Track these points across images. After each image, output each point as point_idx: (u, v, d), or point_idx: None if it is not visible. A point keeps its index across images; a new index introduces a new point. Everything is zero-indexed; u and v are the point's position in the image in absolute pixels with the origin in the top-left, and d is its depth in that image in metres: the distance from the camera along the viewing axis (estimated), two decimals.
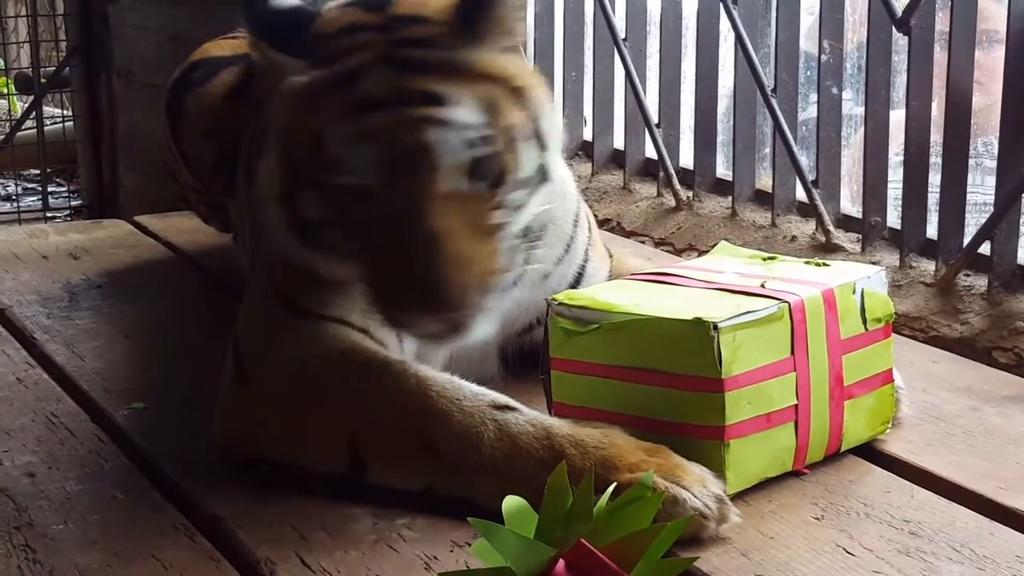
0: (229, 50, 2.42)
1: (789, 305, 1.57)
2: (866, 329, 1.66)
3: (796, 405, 1.57)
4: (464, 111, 1.54)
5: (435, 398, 1.54)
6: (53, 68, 3.65)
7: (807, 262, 1.73)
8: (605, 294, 1.64)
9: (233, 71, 2.36)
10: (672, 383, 1.53)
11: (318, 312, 1.66)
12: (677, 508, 1.42)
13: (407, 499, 1.55)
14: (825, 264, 1.72)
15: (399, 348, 1.67)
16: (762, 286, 1.61)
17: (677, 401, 1.52)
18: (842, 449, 1.66)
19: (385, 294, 1.56)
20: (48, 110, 3.92)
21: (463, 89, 1.55)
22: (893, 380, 1.71)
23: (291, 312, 1.68)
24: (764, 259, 1.75)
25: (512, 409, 1.54)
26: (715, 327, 1.49)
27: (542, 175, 1.64)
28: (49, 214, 3.52)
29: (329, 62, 1.59)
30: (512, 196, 1.59)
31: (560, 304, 1.61)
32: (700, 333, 1.49)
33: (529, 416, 1.53)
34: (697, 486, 1.45)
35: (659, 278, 1.69)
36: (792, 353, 1.56)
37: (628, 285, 1.70)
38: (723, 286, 1.63)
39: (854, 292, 1.65)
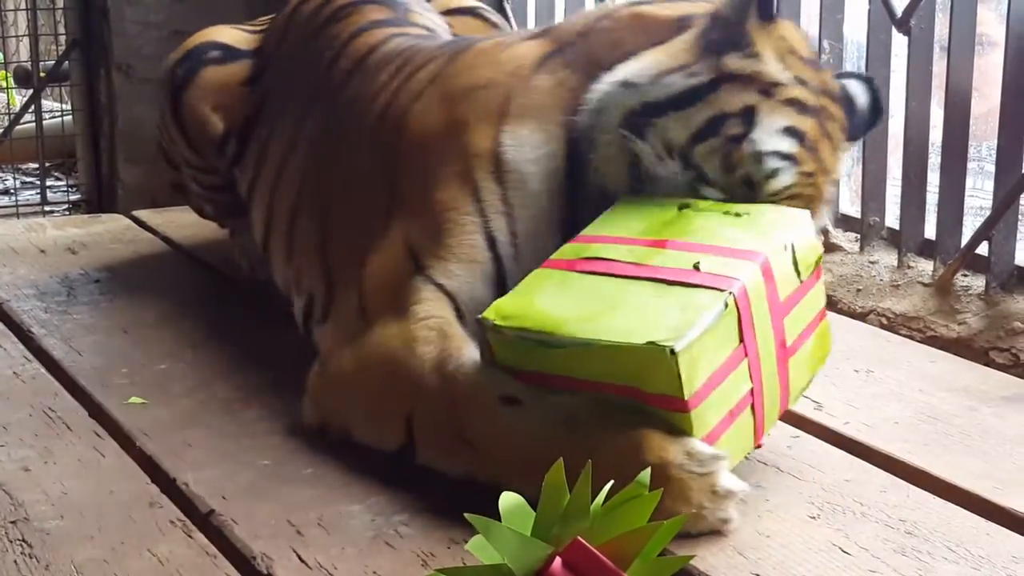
0: (244, 44, 2.45)
1: (734, 296, 1.51)
2: (800, 281, 1.61)
3: (751, 388, 1.54)
4: (832, 191, 1.85)
5: (475, 394, 1.58)
6: (52, 62, 3.65)
7: (725, 212, 1.65)
8: (540, 301, 1.56)
9: (248, 65, 2.40)
10: (634, 395, 1.49)
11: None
12: (715, 498, 1.45)
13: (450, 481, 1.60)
14: (744, 213, 1.64)
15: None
16: (696, 268, 1.55)
17: (643, 409, 1.49)
18: (790, 406, 1.65)
19: None
20: (47, 104, 3.93)
21: (832, 177, 1.81)
22: (825, 316, 1.68)
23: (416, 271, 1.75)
24: (678, 208, 1.66)
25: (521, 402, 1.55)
26: (672, 351, 1.44)
27: None
28: (47, 208, 3.52)
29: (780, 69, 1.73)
30: None
31: (495, 327, 1.54)
32: (658, 359, 1.45)
33: (554, 402, 1.54)
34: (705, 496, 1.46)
35: (586, 266, 1.60)
36: (741, 340, 1.52)
37: (557, 279, 1.60)
38: (657, 274, 1.55)
39: (786, 250, 1.60)
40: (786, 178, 1.68)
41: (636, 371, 1.47)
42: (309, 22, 2.32)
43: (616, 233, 1.64)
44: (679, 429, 1.46)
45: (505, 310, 1.56)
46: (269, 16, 2.53)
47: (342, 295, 1.89)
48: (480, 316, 1.56)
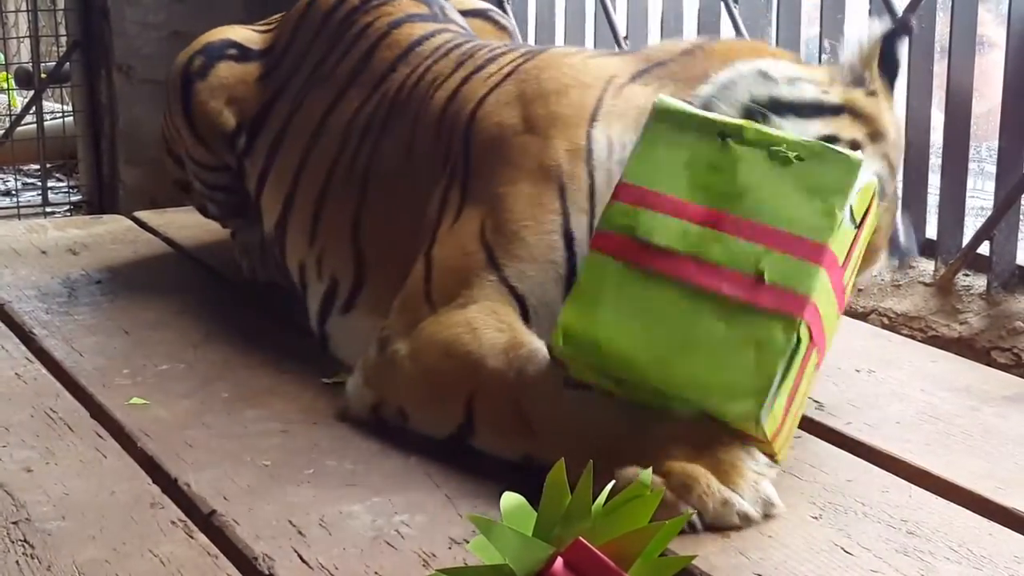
0: (257, 43, 2.46)
1: (807, 325, 1.47)
2: (856, 228, 1.56)
3: (817, 349, 1.54)
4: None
5: (541, 377, 1.60)
6: (53, 63, 3.66)
7: (772, 149, 1.55)
8: (604, 321, 1.51)
9: (259, 63, 2.42)
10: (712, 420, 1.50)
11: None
12: (725, 509, 1.47)
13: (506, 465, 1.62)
14: (792, 157, 1.54)
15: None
16: (760, 276, 1.48)
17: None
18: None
19: None
20: (48, 105, 3.93)
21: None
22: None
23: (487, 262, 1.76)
24: (719, 136, 1.57)
25: (588, 387, 1.58)
26: (758, 421, 1.45)
27: None
28: (48, 209, 3.52)
29: None
30: None
31: (564, 353, 1.54)
32: (743, 424, 1.47)
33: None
34: (750, 489, 1.49)
35: (643, 259, 1.53)
36: (811, 340, 1.50)
37: (615, 279, 1.53)
38: (721, 288, 1.49)
39: (842, 211, 1.52)
40: None
41: (718, 417, 1.50)
42: (329, 16, 2.35)
43: (662, 186, 1.55)
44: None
45: (572, 330, 1.53)
46: (278, 15, 2.53)
47: (382, 279, 1.90)
48: (550, 342, 1.56)
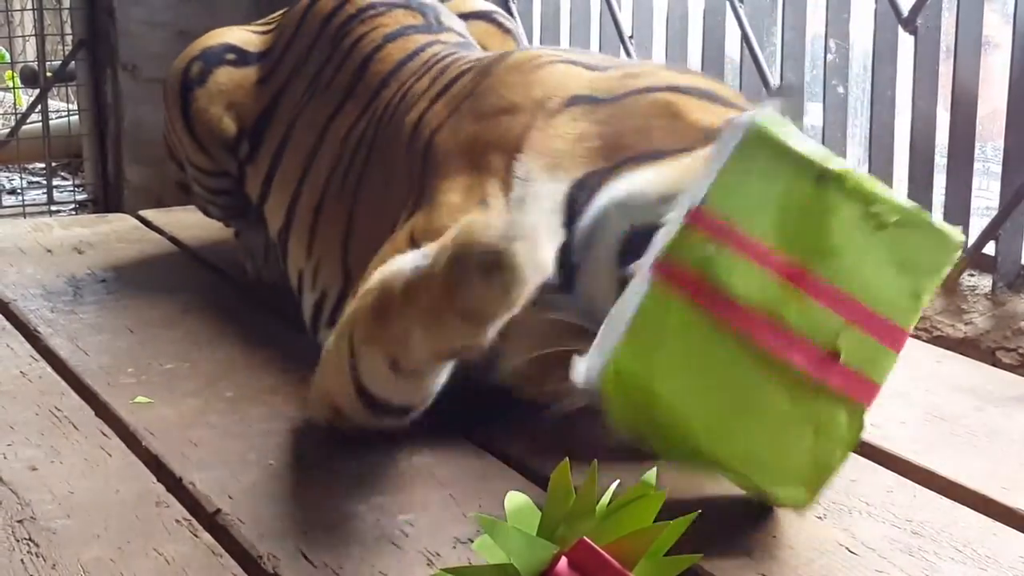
0: (255, 46, 2.45)
1: (869, 410, 1.40)
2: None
3: None
4: None
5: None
6: (59, 62, 3.66)
7: (868, 210, 1.38)
8: (661, 368, 1.36)
9: (257, 67, 2.41)
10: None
11: None
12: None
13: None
14: (888, 223, 1.40)
15: None
16: (835, 355, 1.37)
17: None
18: None
19: None
20: (53, 104, 3.93)
21: None
22: None
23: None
24: (815, 180, 1.38)
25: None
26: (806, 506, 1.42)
27: None
28: (54, 208, 3.53)
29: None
30: None
31: (613, 393, 1.38)
32: (792, 504, 1.45)
33: None
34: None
35: (714, 305, 1.36)
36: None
37: (678, 322, 1.36)
38: (793, 358, 1.36)
39: (921, 298, 1.42)
40: None
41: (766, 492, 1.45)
42: (328, 22, 2.33)
43: (748, 224, 1.38)
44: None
45: (625, 372, 1.37)
46: (278, 13, 2.53)
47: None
48: (598, 374, 1.39)
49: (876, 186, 1.41)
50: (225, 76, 2.41)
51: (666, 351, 1.37)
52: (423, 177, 1.87)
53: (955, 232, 1.42)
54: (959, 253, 1.43)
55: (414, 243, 1.75)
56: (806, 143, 1.42)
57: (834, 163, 1.41)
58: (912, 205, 1.42)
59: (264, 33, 2.48)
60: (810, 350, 1.37)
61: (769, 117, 1.42)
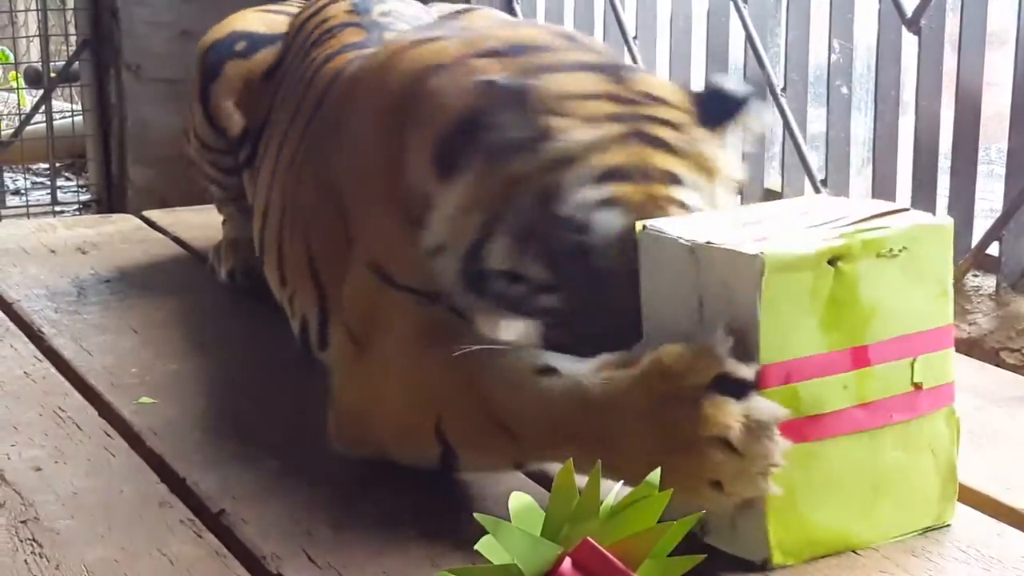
0: (266, 27, 2.41)
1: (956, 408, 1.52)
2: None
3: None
4: (697, 197, 1.57)
5: (507, 370, 1.51)
6: (63, 62, 3.66)
7: (879, 254, 1.43)
8: (812, 516, 1.43)
9: (271, 52, 2.37)
10: None
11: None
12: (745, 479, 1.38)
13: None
14: (897, 249, 1.44)
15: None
16: (918, 386, 1.47)
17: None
18: None
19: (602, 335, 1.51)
20: (57, 104, 3.93)
21: (698, 176, 1.58)
22: None
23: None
24: (828, 263, 1.41)
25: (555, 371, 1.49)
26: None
27: None
28: (58, 208, 3.53)
29: (568, 127, 1.57)
30: None
31: (786, 562, 1.43)
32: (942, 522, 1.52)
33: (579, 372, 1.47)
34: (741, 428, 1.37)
35: (817, 431, 1.41)
36: None
37: (803, 466, 1.40)
38: (890, 416, 1.46)
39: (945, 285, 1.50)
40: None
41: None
42: (308, 38, 2.29)
43: (801, 349, 1.40)
44: None
45: (785, 543, 1.42)
46: None
47: (334, 324, 1.84)
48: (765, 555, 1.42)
49: (875, 230, 1.44)
50: (232, 70, 2.36)
51: (803, 498, 1.42)
52: (342, 196, 1.85)
53: (942, 219, 1.50)
54: (952, 233, 1.50)
55: (378, 271, 1.72)
56: (812, 245, 1.42)
57: (839, 239, 1.42)
58: (903, 223, 1.46)
59: (285, 16, 2.44)
60: (900, 402, 1.46)
61: (779, 249, 1.40)
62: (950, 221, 1.50)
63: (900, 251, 1.44)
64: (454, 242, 1.61)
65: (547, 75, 1.63)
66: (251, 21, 2.45)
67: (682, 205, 1.55)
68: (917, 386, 1.46)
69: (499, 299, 1.60)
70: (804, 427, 1.40)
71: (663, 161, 1.57)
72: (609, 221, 1.52)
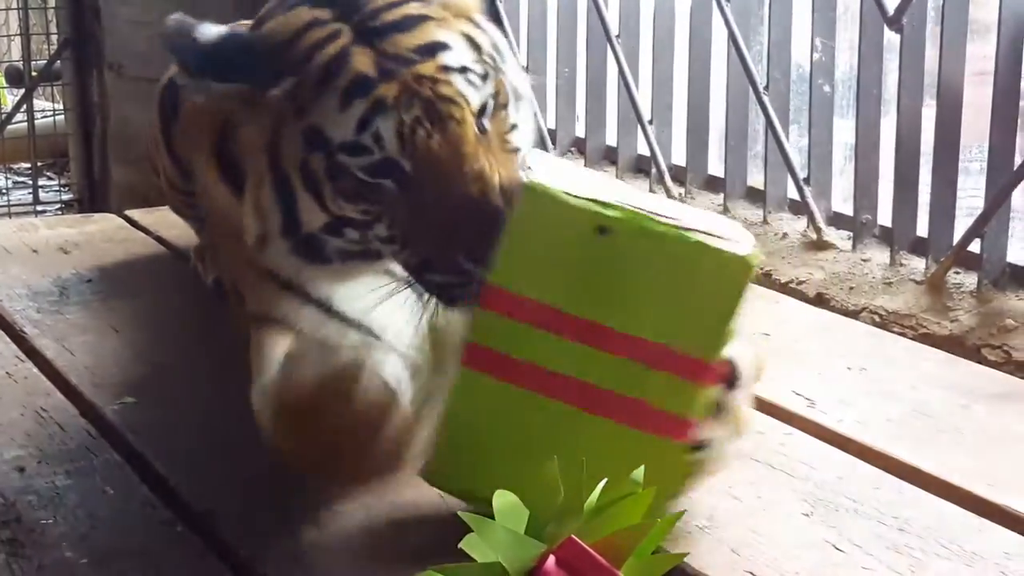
0: None
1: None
2: None
3: None
4: (461, 53, 1.53)
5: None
6: (44, 61, 3.65)
7: (655, 250, 1.35)
8: (484, 456, 1.40)
9: None
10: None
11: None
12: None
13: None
14: (680, 257, 1.36)
15: None
16: (643, 400, 1.37)
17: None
18: None
19: (443, 251, 1.49)
20: (39, 103, 3.92)
21: (449, 32, 1.54)
22: None
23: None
24: (596, 231, 1.35)
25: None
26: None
27: (515, 91, 1.63)
28: (39, 208, 3.52)
29: (299, 66, 1.55)
30: (511, 116, 1.57)
31: (437, 483, 1.45)
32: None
33: None
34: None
35: (521, 377, 1.39)
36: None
37: (490, 406, 1.40)
38: (609, 411, 1.38)
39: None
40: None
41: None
42: None
43: (536, 291, 1.37)
44: None
45: (445, 465, 1.42)
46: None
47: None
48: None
49: (660, 224, 1.36)
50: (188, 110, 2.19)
51: (483, 432, 1.40)
52: None
53: (749, 254, 1.36)
54: (753, 273, 1.36)
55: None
56: (587, 191, 1.38)
57: (613, 209, 1.36)
58: (697, 237, 1.36)
59: None
60: (616, 402, 1.37)
61: (543, 174, 1.39)
62: (754, 261, 1.37)
63: (679, 259, 1.35)
64: (268, 225, 1.59)
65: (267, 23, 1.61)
66: None
67: (455, 68, 1.51)
68: (643, 399, 1.37)
69: (342, 255, 1.58)
70: (510, 366, 1.37)
71: (409, 39, 1.52)
72: (385, 129, 1.49)
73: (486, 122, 1.54)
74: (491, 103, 1.55)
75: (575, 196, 1.37)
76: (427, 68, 1.51)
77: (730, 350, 1.40)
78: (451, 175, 1.48)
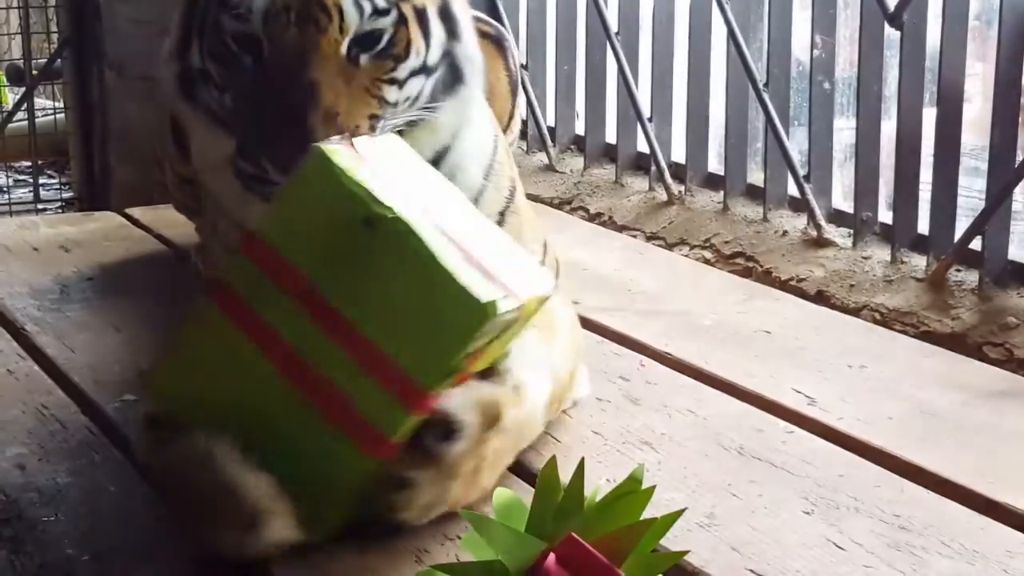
0: None
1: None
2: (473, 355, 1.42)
3: None
4: None
5: None
6: (45, 60, 3.65)
7: (411, 263, 1.34)
8: (201, 390, 1.41)
9: None
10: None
11: None
12: None
13: None
14: (430, 279, 1.34)
15: None
16: (352, 401, 1.37)
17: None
18: None
19: (253, 141, 1.55)
20: (40, 102, 3.91)
21: None
22: None
23: None
24: (363, 223, 1.34)
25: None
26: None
27: (453, 73, 1.65)
28: (40, 206, 3.52)
29: None
30: (405, 74, 1.60)
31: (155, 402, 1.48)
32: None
33: None
34: None
35: (256, 331, 1.38)
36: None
37: (219, 345, 1.41)
38: (328, 409, 1.38)
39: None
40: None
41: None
42: None
43: (293, 255, 1.37)
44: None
45: (163, 383, 1.45)
46: None
47: None
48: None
49: (422, 239, 1.34)
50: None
51: (205, 369, 1.41)
52: None
53: (488, 301, 1.33)
54: (490, 323, 1.33)
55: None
56: (372, 180, 1.36)
57: (386, 208, 1.34)
58: (454, 266, 1.34)
59: None
60: (328, 391, 1.36)
61: (341, 147, 1.38)
62: (491, 312, 1.33)
63: (427, 281, 1.33)
64: (171, 42, 1.70)
65: None
66: None
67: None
68: (352, 400, 1.36)
69: (206, 108, 1.67)
70: (247, 316, 1.38)
71: None
72: (257, 3, 1.55)
73: (363, 56, 1.57)
74: (383, 41, 1.57)
75: (357, 182, 1.35)
76: None
77: (455, 400, 1.38)
78: (287, 73, 1.53)
